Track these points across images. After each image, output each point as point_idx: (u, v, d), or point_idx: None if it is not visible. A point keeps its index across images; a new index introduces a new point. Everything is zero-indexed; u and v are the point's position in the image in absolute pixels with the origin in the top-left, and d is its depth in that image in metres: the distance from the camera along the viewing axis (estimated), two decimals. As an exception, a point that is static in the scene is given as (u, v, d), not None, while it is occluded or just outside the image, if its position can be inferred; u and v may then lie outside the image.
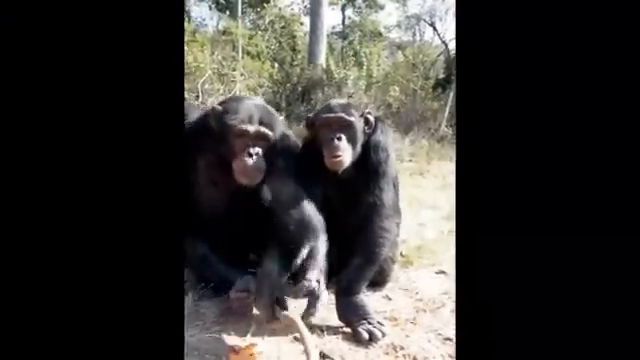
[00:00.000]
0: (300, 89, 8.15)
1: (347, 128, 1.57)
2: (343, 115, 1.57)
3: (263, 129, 1.55)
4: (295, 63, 9.42)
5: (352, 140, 1.57)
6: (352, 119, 1.57)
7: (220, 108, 1.59)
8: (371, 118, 1.64)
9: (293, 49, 10.08)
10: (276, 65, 9.10)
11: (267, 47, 9.54)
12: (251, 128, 1.53)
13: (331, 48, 11.39)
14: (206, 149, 1.60)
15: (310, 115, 1.73)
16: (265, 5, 10.30)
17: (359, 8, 14.40)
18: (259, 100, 1.72)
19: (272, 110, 1.66)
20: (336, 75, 8.49)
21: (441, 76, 9.86)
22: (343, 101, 1.76)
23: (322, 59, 8.98)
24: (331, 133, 1.55)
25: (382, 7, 14.61)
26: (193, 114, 1.67)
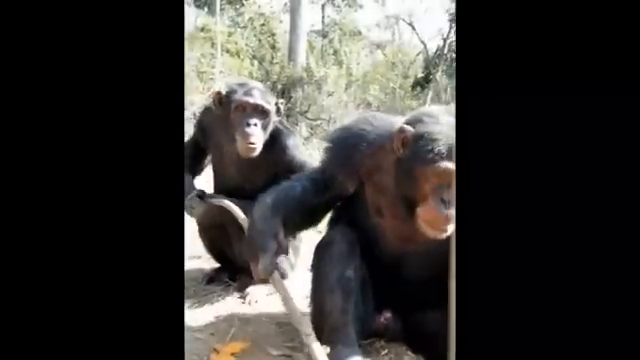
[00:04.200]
0: (280, 87, 8.12)
1: (264, 115, 1.59)
2: (262, 102, 1.59)
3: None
4: (275, 61, 9.37)
5: (265, 128, 1.60)
6: (270, 107, 1.61)
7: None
8: (282, 108, 1.73)
9: (273, 47, 10.01)
10: (255, 63, 9.05)
11: (246, 45, 9.46)
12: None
13: (311, 46, 11.37)
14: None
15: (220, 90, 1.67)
16: (244, 2, 10.22)
17: (339, 7, 14.41)
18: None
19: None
20: (316, 73, 8.48)
21: (420, 75, 9.96)
22: (261, 85, 1.74)
23: (302, 57, 8.96)
24: (246, 117, 1.56)
25: (361, 6, 14.66)
26: None
